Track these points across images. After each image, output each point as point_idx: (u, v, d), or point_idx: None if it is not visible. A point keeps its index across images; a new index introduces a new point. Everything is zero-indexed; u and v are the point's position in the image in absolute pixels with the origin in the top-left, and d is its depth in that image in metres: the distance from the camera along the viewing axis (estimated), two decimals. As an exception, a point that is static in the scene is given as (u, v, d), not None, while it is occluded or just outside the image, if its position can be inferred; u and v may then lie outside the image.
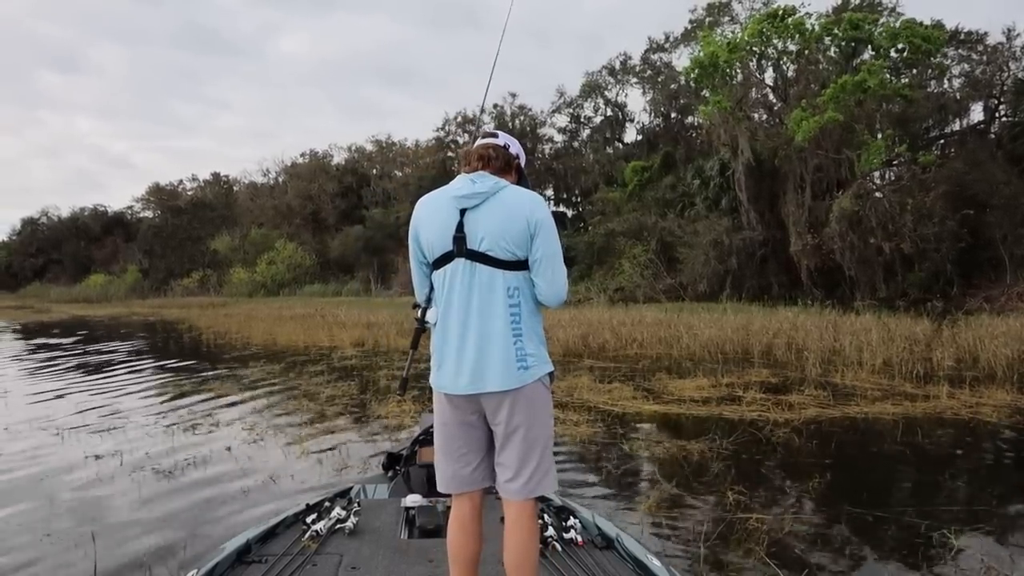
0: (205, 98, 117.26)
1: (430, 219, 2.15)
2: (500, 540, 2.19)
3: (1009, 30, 20.74)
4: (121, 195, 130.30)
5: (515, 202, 2.07)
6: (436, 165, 35.11)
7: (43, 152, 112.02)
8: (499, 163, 2.18)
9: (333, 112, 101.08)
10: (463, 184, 2.11)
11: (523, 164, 2.31)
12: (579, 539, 2.83)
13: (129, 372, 10.86)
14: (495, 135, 2.25)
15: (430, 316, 2.18)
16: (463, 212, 2.08)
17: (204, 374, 10.25)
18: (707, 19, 26.83)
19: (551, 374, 2.14)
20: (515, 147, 2.28)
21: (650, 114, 33.78)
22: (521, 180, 2.28)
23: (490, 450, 2.17)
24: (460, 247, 2.07)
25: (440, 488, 2.23)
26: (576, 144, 36.13)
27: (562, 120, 35.94)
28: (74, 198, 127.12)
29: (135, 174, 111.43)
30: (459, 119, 34.96)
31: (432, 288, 2.20)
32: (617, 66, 33.73)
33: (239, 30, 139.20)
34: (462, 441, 2.15)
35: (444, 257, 2.11)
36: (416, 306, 2.26)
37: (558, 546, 2.76)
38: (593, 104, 35.24)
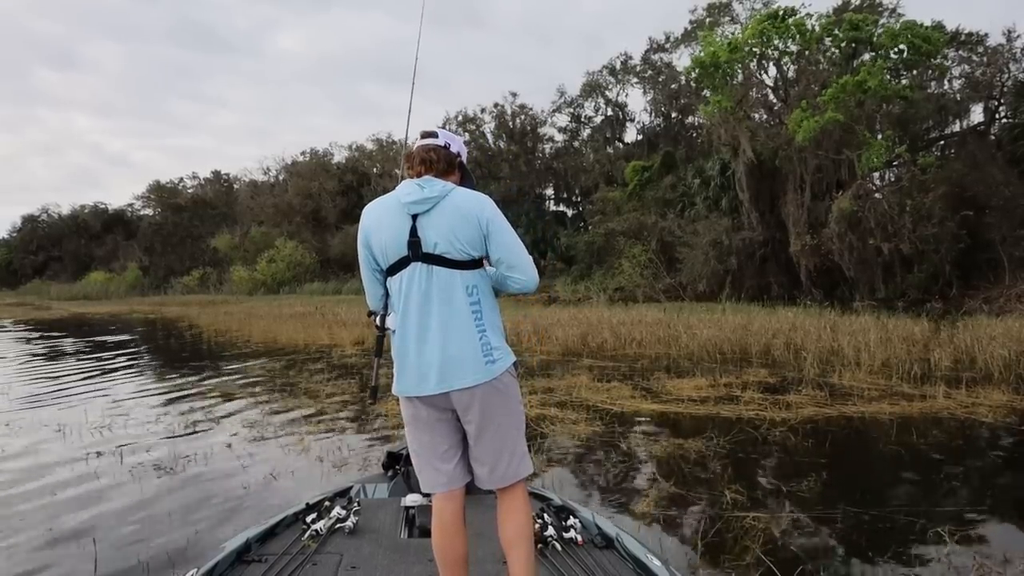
0: (203, 96, 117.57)
1: (381, 226, 2.17)
2: (497, 539, 2.22)
3: (1009, 31, 20.74)
4: (120, 193, 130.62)
5: (465, 204, 2.12)
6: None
7: (42, 150, 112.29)
8: (441, 165, 2.21)
9: (332, 110, 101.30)
10: (411, 190, 2.14)
11: (465, 160, 2.32)
12: (579, 538, 2.85)
13: (129, 369, 10.89)
14: (434, 134, 2.26)
15: (390, 322, 2.20)
16: (414, 217, 2.11)
17: (204, 372, 10.27)
18: (707, 19, 26.84)
19: (516, 363, 2.20)
20: (456, 144, 2.28)
21: (651, 114, 33.86)
22: (465, 176, 2.30)
23: (466, 445, 2.21)
24: (415, 251, 2.11)
25: (424, 489, 2.25)
26: (576, 143, 36.13)
27: (563, 119, 36.00)
28: (73, 196, 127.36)
29: (134, 172, 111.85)
30: (460, 118, 34.93)
31: (387, 294, 2.22)
32: (618, 66, 33.78)
33: (236, 27, 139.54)
34: (442, 438, 2.18)
35: (399, 263, 2.14)
36: (372, 314, 2.28)
37: (558, 546, 2.78)
38: (594, 104, 35.30)
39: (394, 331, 2.18)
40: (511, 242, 2.15)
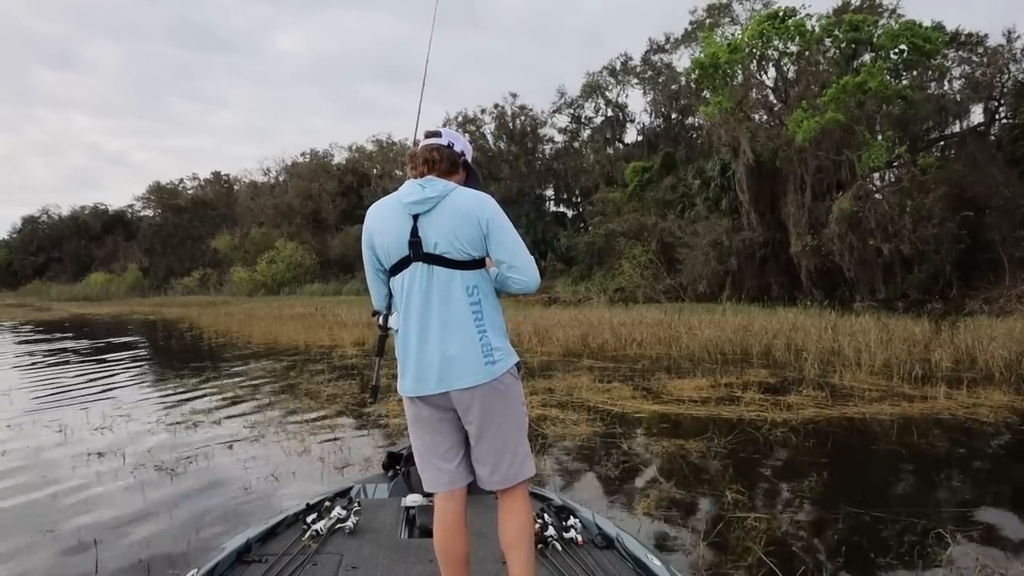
0: (202, 96, 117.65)
1: (383, 226, 2.17)
2: (497, 538, 2.22)
3: (1009, 32, 20.76)
4: (119, 193, 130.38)
5: (465, 204, 2.10)
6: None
7: (41, 150, 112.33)
8: (444, 165, 2.20)
9: (331, 110, 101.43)
10: (413, 190, 2.13)
11: (470, 159, 2.31)
12: (579, 538, 2.85)
13: (130, 370, 10.89)
14: (438, 134, 2.25)
15: (392, 322, 2.20)
16: (415, 217, 2.11)
17: (205, 372, 10.27)
18: (707, 20, 26.85)
19: (518, 364, 2.18)
20: (459, 144, 2.27)
21: (651, 115, 33.88)
22: (470, 176, 2.30)
23: (469, 445, 2.20)
24: (416, 251, 2.11)
25: (427, 488, 2.25)
26: (577, 144, 36.13)
27: (563, 120, 35.99)
28: (72, 196, 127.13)
29: (133, 172, 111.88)
30: (460, 119, 34.92)
31: (391, 294, 2.23)
32: (618, 66, 33.78)
33: (235, 27, 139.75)
34: (443, 437, 2.18)
35: (401, 263, 2.14)
36: (376, 313, 2.28)
37: (558, 546, 2.77)
38: (594, 104, 35.30)
39: (397, 331, 2.19)
40: (512, 242, 2.13)
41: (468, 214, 2.09)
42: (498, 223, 2.12)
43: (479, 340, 2.08)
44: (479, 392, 2.07)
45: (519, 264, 2.13)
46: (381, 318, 2.25)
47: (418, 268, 2.11)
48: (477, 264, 2.13)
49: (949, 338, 10.15)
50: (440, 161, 2.19)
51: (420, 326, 2.10)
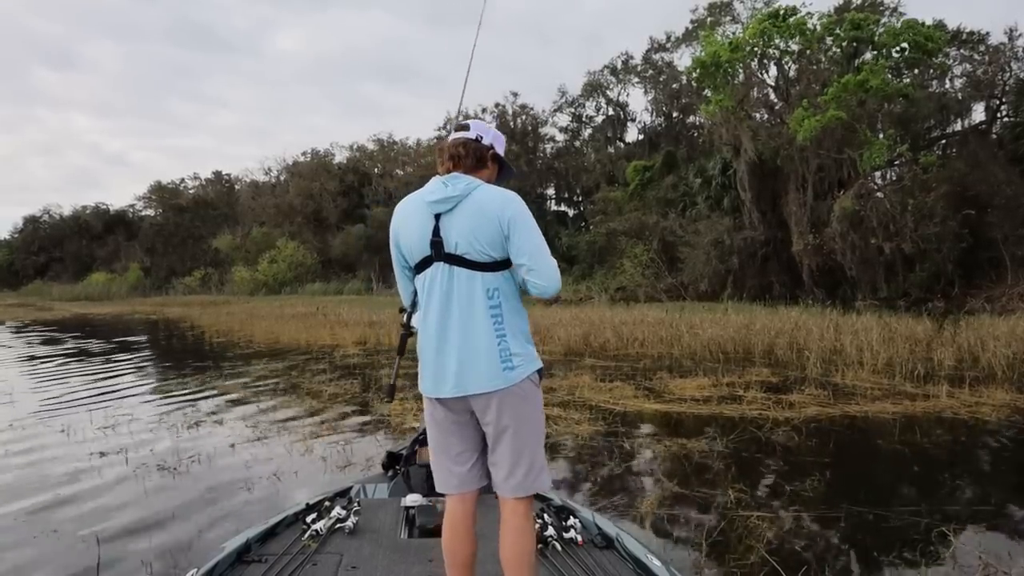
0: (202, 96, 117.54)
1: (407, 224, 2.14)
2: (498, 540, 2.20)
3: (1011, 30, 20.76)
4: (119, 193, 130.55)
5: (487, 204, 2.03)
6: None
7: (41, 150, 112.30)
8: (470, 161, 2.13)
9: (331, 110, 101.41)
10: (436, 188, 2.09)
11: (501, 151, 2.23)
12: (579, 539, 2.84)
13: (132, 370, 10.89)
14: (466, 127, 2.19)
15: (415, 320, 2.18)
16: (438, 216, 2.07)
17: (207, 372, 10.27)
18: (708, 19, 26.85)
19: (540, 371, 2.12)
20: (489, 136, 2.19)
21: (652, 113, 33.91)
22: (502, 170, 2.25)
23: (484, 448, 2.17)
24: (438, 251, 2.06)
25: (438, 489, 2.24)
26: (578, 143, 36.17)
27: (564, 119, 36.05)
28: (72, 196, 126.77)
29: (132, 172, 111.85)
30: (461, 118, 34.86)
31: (416, 292, 2.20)
32: (619, 65, 33.83)
33: (235, 27, 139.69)
34: (457, 439, 2.15)
35: (424, 261, 2.11)
36: (403, 310, 2.27)
37: (558, 546, 2.77)
38: (595, 103, 35.36)
39: (418, 330, 2.17)
40: (533, 244, 2.05)
41: (489, 214, 2.02)
42: (520, 223, 2.03)
43: (497, 345, 2.02)
44: (496, 398, 2.03)
45: (539, 267, 2.04)
46: (405, 316, 2.23)
47: (440, 268, 2.07)
48: (499, 266, 2.06)
49: (951, 337, 10.13)
50: (466, 156, 2.12)
51: (440, 327, 2.06)
